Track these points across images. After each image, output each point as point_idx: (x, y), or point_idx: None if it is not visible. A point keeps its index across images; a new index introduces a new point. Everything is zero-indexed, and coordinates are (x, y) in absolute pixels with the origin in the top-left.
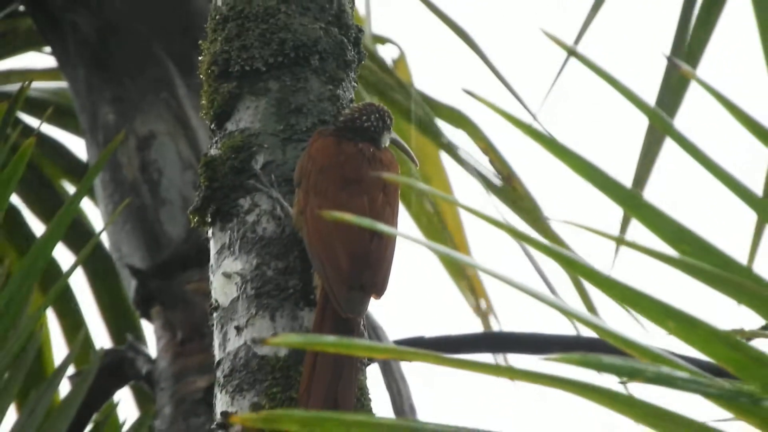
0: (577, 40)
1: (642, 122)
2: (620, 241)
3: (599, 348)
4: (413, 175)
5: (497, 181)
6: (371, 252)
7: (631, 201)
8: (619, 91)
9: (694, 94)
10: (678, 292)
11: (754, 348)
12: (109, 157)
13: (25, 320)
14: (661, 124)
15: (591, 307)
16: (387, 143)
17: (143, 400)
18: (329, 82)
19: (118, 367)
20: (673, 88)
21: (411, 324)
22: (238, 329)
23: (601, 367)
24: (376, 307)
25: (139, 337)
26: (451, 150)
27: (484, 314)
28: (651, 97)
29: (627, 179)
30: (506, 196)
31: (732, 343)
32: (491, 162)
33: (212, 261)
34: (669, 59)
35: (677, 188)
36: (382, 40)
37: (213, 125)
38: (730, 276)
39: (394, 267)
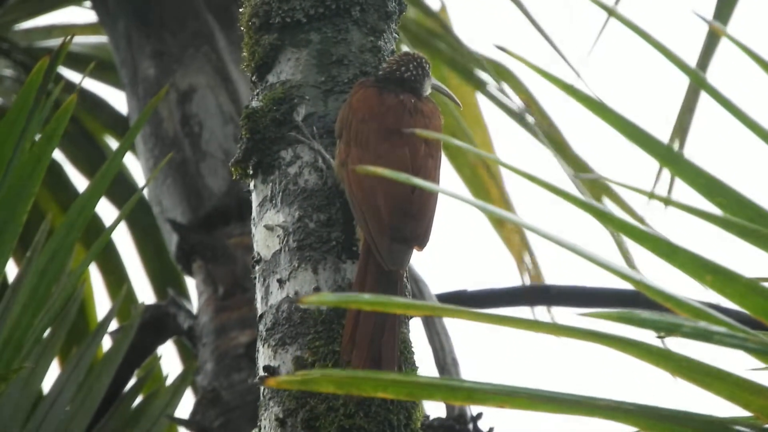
0: (618, 1)
1: (676, 81)
2: (653, 195)
3: (642, 302)
4: (455, 125)
5: (537, 131)
6: (413, 203)
7: (667, 155)
8: (659, 50)
9: (729, 53)
10: (715, 250)
11: None
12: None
13: (68, 276)
14: (698, 81)
15: (630, 263)
16: (429, 90)
17: (187, 354)
18: (370, 33)
19: (159, 322)
20: (706, 45)
21: (454, 276)
22: (281, 282)
23: (638, 323)
24: (418, 260)
25: (183, 291)
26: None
27: (526, 267)
28: (690, 57)
29: (664, 137)
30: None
31: None
32: (532, 114)
33: (254, 214)
34: (700, 17)
35: (715, 147)
36: None
37: (254, 77)
38: (763, 229)
39: (437, 218)
